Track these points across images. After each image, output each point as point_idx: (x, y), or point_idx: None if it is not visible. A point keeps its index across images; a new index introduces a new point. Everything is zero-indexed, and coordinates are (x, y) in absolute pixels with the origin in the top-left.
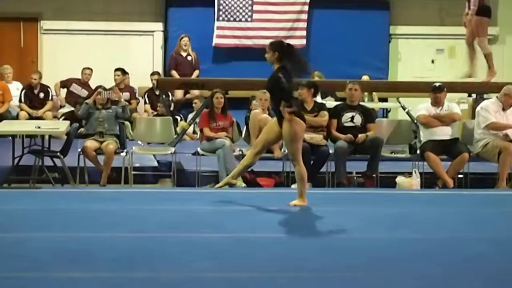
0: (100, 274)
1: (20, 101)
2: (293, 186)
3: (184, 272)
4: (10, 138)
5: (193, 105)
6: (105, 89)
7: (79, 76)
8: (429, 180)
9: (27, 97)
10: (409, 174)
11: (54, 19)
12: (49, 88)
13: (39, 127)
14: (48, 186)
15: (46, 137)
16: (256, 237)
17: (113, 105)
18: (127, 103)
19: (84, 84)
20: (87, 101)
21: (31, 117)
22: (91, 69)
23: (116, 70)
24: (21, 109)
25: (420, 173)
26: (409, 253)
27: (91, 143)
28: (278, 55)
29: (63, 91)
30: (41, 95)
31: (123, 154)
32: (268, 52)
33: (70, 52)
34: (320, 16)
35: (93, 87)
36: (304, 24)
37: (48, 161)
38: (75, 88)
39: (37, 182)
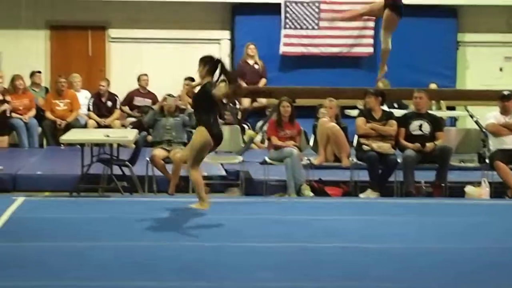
0: (166, 283)
1: (88, 109)
2: (361, 195)
3: (249, 281)
4: (79, 146)
5: (267, 113)
6: (172, 96)
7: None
8: (499, 190)
9: (95, 105)
10: (478, 183)
11: (122, 28)
12: (117, 96)
13: (107, 136)
14: (117, 195)
15: (115, 146)
16: (322, 246)
17: (181, 113)
18: None
19: (144, 92)
20: (153, 107)
21: (99, 126)
22: (147, 74)
23: (186, 79)
24: (90, 118)
25: (490, 183)
26: (481, 263)
27: (159, 152)
28: (209, 68)
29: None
30: (109, 103)
31: None
32: (199, 66)
33: (137, 60)
34: None
35: (158, 94)
36: (371, 32)
37: (116, 170)
38: (138, 101)
39: (106, 190)
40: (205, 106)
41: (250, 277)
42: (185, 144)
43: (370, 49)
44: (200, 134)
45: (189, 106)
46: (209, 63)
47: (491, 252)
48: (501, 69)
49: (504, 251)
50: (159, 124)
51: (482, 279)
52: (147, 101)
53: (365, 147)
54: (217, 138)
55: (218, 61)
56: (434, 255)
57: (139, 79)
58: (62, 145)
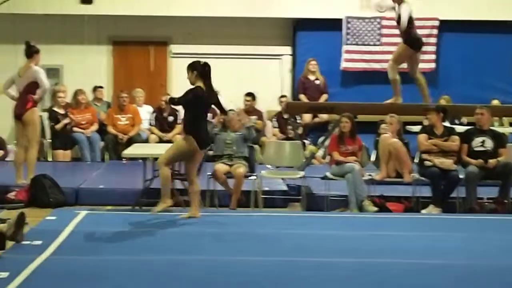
0: None
1: (150, 124)
2: (423, 211)
3: None
4: (141, 161)
5: (328, 128)
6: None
7: None
8: None
9: (157, 120)
10: None
11: (183, 43)
12: (178, 111)
13: None
14: (179, 209)
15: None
16: (386, 262)
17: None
18: (254, 124)
19: None
20: (212, 121)
21: (161, 140)
22: None
23: (247, 95)
24: (151, 132)
25: None
26: None
27: (221, 167)
28: (197, 73)
29: None
30: (170, 118)
31: (253, 177)
32: (188, 73)
33: None
34: (449, 40)
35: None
36: (433, 48)
37: (178, 184)
38: None
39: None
40: (195, 109)
41: None
42: (246, 159)
43: (432, 65)
44: (189, 143)
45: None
46: (197, 68)
47: None
48: None
49: None
50: (220, 138)
51: None
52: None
53: (427, 163)
54: (204, 143)
55: (205, 64)
56: (499, 272)
57: None
58: (124, 159)
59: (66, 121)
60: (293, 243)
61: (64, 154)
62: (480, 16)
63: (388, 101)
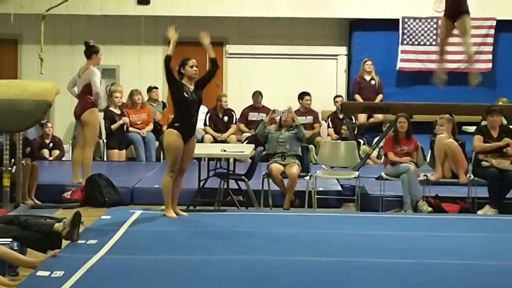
0: None
1: (205, 124)
2: (479, 212)
3: None
4: (196, 161)
5: (383, 128)
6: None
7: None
8: None
9: (212, 120)
10: None
11: (239, 43)
12: (233, 111)
13: (224, 150)
14: (233, 209)
15: (231, 160)
16: (441, 263)
17: (297, 127)
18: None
19: (257, 108)
20: (264, 119)
21: (215, 140)
22: (259, 92)
23: (304, 94)
24: (206, 132)
25: None
26: None
27: (276, 166)
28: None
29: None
30: (225, 118)
31: (307, 177)
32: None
33: (254, 76)
34: (507, 40)
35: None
36: (490, 48)
37: (233, 184)
38: (252, 116)
39: (222, 204)
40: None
41: None
42: (299, 158)
43: (489, 65)
44: (168, 137)
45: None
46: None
47: None
48: None
49: None
50: (273, 137)
51: None
52: (262, 115)
53: (484, 163)
54: (186, 134)
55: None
56: None
57: (253, 96)
58: None
59: (122, 121)
60: (348, 244)
61: (119, 154)
62: None
63: None
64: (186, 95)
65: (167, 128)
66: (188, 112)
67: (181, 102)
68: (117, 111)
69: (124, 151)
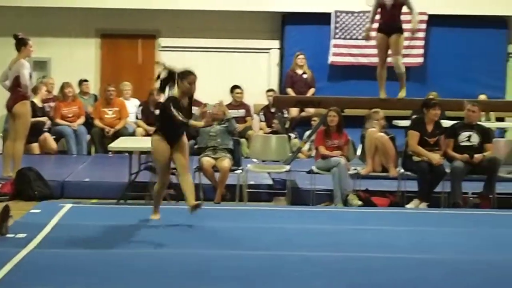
0: None
1: (137, 118)
2: (408, 206)
3: None
4: (127, 154)
5: (312, 123)
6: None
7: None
8: None
9: (144, 113)
10: None
11: (171, 37)
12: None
13: None
14: (163, 203)
15: None
16: (371, 256)
17: (228, 120)
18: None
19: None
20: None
21: (147, 134)
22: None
23: (235, 87)
24: (138, 126)
25: None
26: None
27: (207, 160)
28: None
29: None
30: (157, 112)
31: (238, 171)
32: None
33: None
34: (438, 34)
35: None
36: (421, 43)
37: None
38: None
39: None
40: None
41: (302, 285)
42: (230, 151)
43: (420, 60)
44: (151, 144)
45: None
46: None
47: None
48: None
49: None
50: (204, 131)
51: None
52: (194, 109)
53: (415, 158)
54: (171, 138)
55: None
56: (485, 266)
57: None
58: (110, 152)
59: (42, 119)
60: (278, 237)
61: (33, 147)
62: (469, 10)
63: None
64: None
65: (154, 133)
66: (171, 125)
67: (166, 117)
68: (40, 104)
69: (36, 144)
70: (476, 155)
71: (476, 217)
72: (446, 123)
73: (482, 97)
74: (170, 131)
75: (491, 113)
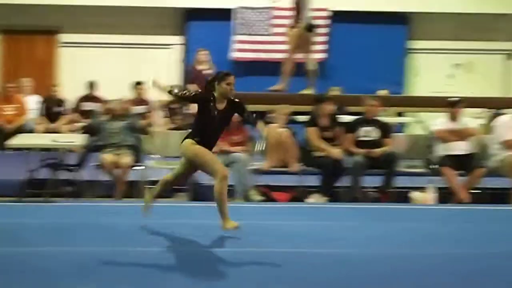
0: None
1: (37, 114)
2: (309, 200)
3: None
4: (27, 151)
5: None
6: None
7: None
8: (445, 195)
9: (44, 110)
10: (425, 189)
11: (73, 32)
12: (65, 101)
13: (54, 141)
14: (63, 200)
15: (63, 150)
16: (271, 251)
17: (130, 117)
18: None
19: (91, 98)
20: (96, 111)
21: (48, 131)
22: (93, 81)
23: (137, 83)
24: (38, 123)
25: (436, 188)
26: (424, 267)
27: (108, 156)
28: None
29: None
30: (58, 108)
31: (139, 167)
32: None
33: (88, 66)
34: (341, 30)
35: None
36: (325, 38)
37: (65, 175)
38: (87, 105)
39: (52, 195)
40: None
41: (199, 283)
42: (132, 147)
43: (324, 55)
44: (187, 148)
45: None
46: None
47: (430, 256)
48: (450, 76)
49: (450, 257)
50: (105, 127)
51: (416, 282)
52: (96, 106)
53: (315, 153)
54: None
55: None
56: (382, 260)
57: (87, 85)
58: (8, 150)
59: None
60: (178, 233)
61: None
62: (370, 7)
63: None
64: (211, 113)
65: (185, 139)
66: (207, 131)
67: (204, 119)
68: None
69: None
70: (375, 150)
71: (374, 211)
72: (347, 118)
73: (382, 92)
74: (207, 137)
75: (391, 108)
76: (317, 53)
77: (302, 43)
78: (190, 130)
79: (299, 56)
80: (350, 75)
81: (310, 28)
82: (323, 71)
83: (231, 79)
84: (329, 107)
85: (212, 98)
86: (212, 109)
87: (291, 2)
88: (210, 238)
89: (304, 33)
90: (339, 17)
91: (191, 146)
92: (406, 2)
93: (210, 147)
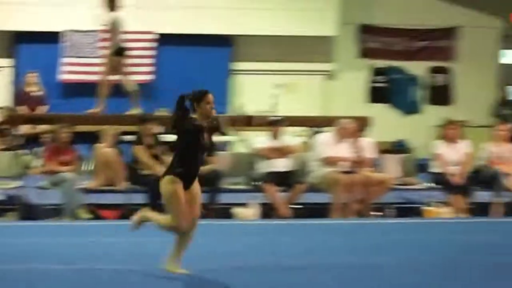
0: None
1: None
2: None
3: None
4: None
5: (41, 140)
6: None
7: None
8: (267, 211)
9: None
10: (248, 205)
11: None
12: None
13: None
14: None
15: None
16: (97, 268)
17: None
18: None
19: None
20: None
21: None
22: None
23: None
24: None
25: (259, 204)
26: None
27: None
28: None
29: None
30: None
31: None
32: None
33: None
34: (167, 52)
35: None
36: (151, 60)
37: None
38: None
39: None
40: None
41: None
42: None
43: (150, 77)
44: (165, 185)
45: None
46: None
47: (247, 269)
48: (273, 96)
49: (275, 269)
50: None
51: None
52: None
53: (141, 171)
54: (187, 181)
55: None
56: (199, 276)
57: None
58: None
59: None
60: (7, 252)
61: None
62: (196, 30)
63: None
64: (200, 142)
65: (165, 174)
66: (195, 158)
67: (194, 149)
68: None
69: None
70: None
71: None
72: (173, 138)
73: None
74: (190, 171)
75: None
76: (142, 75)
77: (115, 66)
78: (171, 162)
79: (115, 78)
80: (177, 96)
81: (120, 51)
82: (151, 93)
83: (210, 97)
84: (153, 127)
85: (203, 127)
86: (201, 138)
87: (106, 26)
88: (35, 255)
89: (114, 57)
90: (165, 39)
91: (169, 186)
92: (230, 25)
93: (193, 176)
